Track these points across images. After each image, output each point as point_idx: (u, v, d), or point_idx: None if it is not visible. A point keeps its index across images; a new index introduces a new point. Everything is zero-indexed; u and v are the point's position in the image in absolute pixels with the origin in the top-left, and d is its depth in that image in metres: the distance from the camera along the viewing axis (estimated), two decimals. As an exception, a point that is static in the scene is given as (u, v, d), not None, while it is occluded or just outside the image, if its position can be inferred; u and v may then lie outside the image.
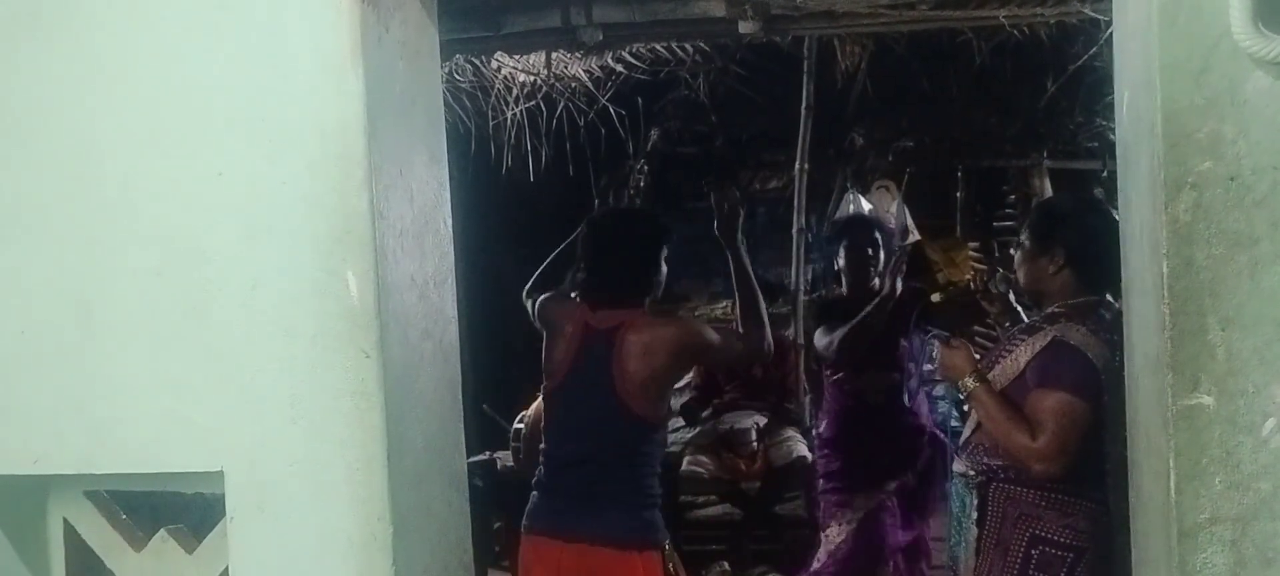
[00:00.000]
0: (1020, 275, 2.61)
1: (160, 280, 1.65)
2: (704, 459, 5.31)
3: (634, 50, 4.55)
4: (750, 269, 2.90)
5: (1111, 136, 6.00)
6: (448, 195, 1.90)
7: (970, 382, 2.46)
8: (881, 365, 3.93)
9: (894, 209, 6.64)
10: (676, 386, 6.51)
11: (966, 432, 2.62)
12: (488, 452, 5.14)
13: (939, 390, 4.77)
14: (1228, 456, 1.37)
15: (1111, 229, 1.80)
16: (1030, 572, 2.39)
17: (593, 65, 4.74)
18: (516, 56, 4.60)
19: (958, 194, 7.22)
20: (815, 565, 4.13)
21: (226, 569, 1.68)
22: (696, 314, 7.67)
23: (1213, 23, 1.36)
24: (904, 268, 3.95)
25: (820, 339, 4.07)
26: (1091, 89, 5.65)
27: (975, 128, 6.67)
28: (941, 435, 4.22)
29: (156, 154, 1.65)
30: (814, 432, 4.44)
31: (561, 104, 5.02)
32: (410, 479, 1.67)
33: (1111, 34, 1.78)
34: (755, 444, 5.30)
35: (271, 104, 1.61)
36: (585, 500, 2.71)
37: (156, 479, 1.73)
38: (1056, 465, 2.31)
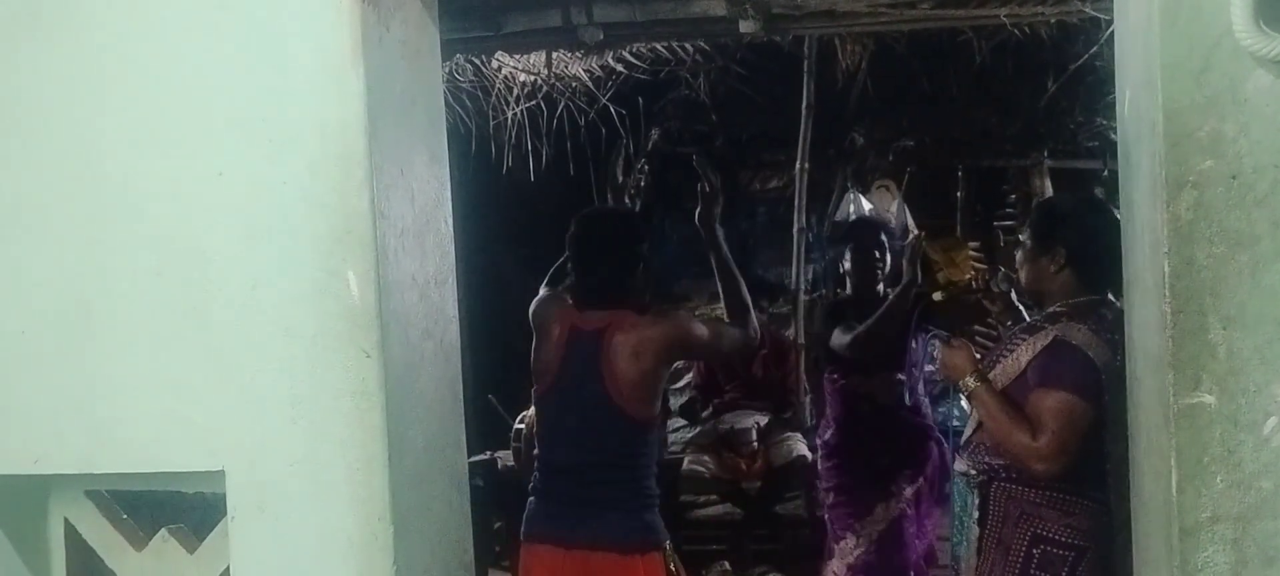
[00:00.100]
0: (1021, 275, 2.61)
1: (161, 280, 1.65)
2: (705, 458, 5.31)
3: (634, 50, 4.54)
4: (730, 256, 2.89)
5: (1112, 136, 6.00)
6: (448, 195, 1.90)
7: (971, 382, 2.46)
8: (891, 365, 3.87)
9: (894, 208, 6.65)
10: (676, 386, 6.56)
11: (968, 432, 2.62)
12: (488, 452, 5.14)
13: (938, 390, 4.73)
14: (1229, 455, 1.37)
15: (1113, 228, 1.80)
16: (1032, 572, 2.39)
17: (593, 65, 4.73)
18: (517, 56, 4.60)
19: (958, 193, 7.22)
20: None
21: (227, 568, 1.69)
22: (697, 313, 7.67)
23: (1214, 21, 1.36)
24: (919, 256, 3.90)
25: (839, 337, 3.96)
26: (1092, 88, 5.65)
27: (976, 127, 6.67)
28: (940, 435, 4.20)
29: (157, 154, 1.65)
30: (818, 441, 4.33)
31: (562, 104, 5.02)
32: (411, 479, 1.67)
33: (1112, 33, 1.78)
34: (756, 443, 5.30)
35: (272, 104, 1.61)
36: (583, 505, 2.68)
37: (157, 478, 1.73)
38: (1057, 464, 2.31)
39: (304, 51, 1.60)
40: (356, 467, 1.60)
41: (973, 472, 2.53)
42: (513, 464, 4.93)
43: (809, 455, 5.30)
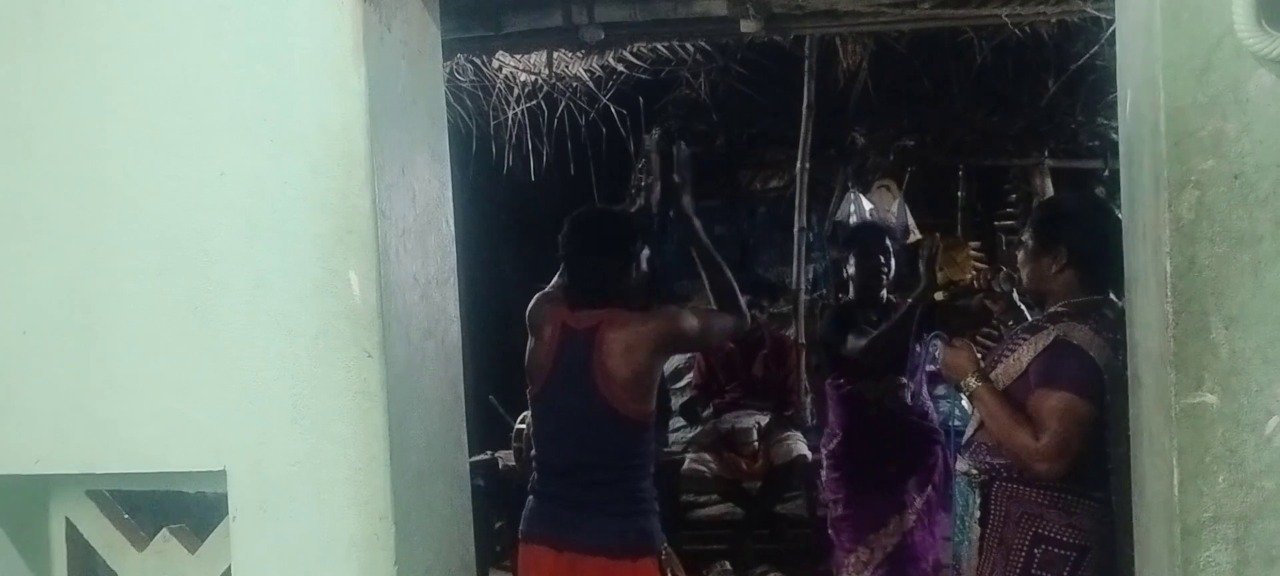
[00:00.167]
0: (1023, 274, 2.60)
1: (163, 280, 1.65)
2: (705, 458, 5.31)
3: (635, 49, 4.54)
4: (708, 242, 2.87)
5: (1113, 135, 6.01)
6: (450, 194, 1.90)
7: (973, 382, 2.46)
8: (897, 369, 3.79)
9: (895, 208, 6.64)
10: (677, 386, 6.56)
11: (969, 432, 2.61)
12: (489, 452, 5.14)
13: (940, 389, 4.71)
14: (1231, 454, 1.37)
15: (1114, 228, 1.80)
16: (1033, 571, 2.39)
17: (594, 64, 4.73)
18: (517, 56, 4.60)
19: (959, 193, 7.22)
20: None
21: (229, 568, 1.69)
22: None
23: (1216, 21, 1.36)
24: (934, 260, 3.86)
25: (853, 342, 3.87)
26: (1093, 88, 5.65)
27: (976, 127, 6.67)
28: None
29: (159, 154, 1.65)
30: (822, 451, 4.22)
31: (562, 103, 5.02)
32: (412, 478, 1.67)
33: (1113, 33, 1.77)
34: (756, 443, 5.31)
35: (274, 103, 1.61)
36: (577, 508, 2.67)
37: (159, 478, 1.73)
38: (1059, 465, 2.30)
39: (305, 51, 1.60)
40: (358, 467, 1.60)
41: (974, 472, 2.53)
42: (513, 464, 4.94)
43: (809, 455, 5.30)
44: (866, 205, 6.58)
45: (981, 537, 2.48)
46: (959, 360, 2.52)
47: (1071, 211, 2.59)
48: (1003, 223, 7.02)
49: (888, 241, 4.12)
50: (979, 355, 2.57)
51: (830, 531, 4.15)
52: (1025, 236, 2.58)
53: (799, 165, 6.12)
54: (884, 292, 3.97)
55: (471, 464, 2.04)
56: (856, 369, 3.90)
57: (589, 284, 2.74)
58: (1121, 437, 1.87)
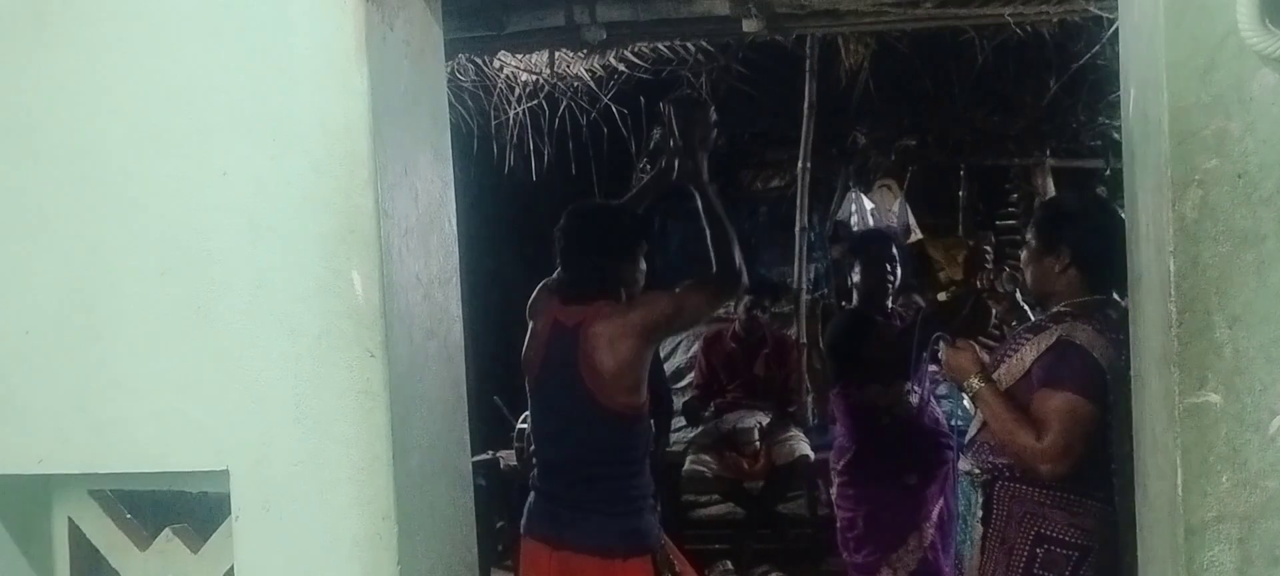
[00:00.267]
0: (1026, 274, 2.60)
1: (165, 279, 1.65)
2: (707, 458, 5.31)
3: (636, 49, 4.54)
4: (719, 204, 2.79)
5: (1114, 135, 6.01)
6: (452, 194, 1.90)
7: (976, 383, 2.46)
8: (904, 375, 3.67)
9: (896, 208, 6.65)
10: (678, 386, 6.56)
11: (972, 431, 2.61)
12: (491, 452, 5.15)
13: (942, 388, 4.68)
14: (1235, 454, 1.37)
15: (1117, 228, 1.79)
16: (1035, 571, 2.39)
17: (595, 64, 4.73)
18: (519, 56, 4.60)
19: (960, 193, 7.22)
20: None
21: (231, 568, 1.68)
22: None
23: (1219, 19, 1.35)
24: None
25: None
26: (1094, 87, 5.65)
27: (978, 126, 6.67)
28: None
29: (161, 153, 1.65)
30: (832, 470, 4.10)
31: (564, 103, 5.02)
32: (415, 478, 1.67)
33: (1114, 32, 1.77)
34: (758, 443, 5.31)
35: (276, 103, 1.61)
36: (572, 506, 2.68)
37: (161, 478, 1.73)
38: (1062, 465, 2.30)
39: (308, 51, 1.60)
40: (361, 467, 1.60)
41: (977, 472, 2.53)
42: (515, 463, 4.94)
43: (811, 454, 5.31)
44: (868, 205, 6.59)
45: (984, 537, 2.48)
46: (962, 361, 2.52)
47: (1074, 211, 2.59)
48: (1004, 222, 7.02)
49: (894, 248, 4.07)
50: (981, 355, 2.57)
51: (845, 552, 4.00)
52: (1028, 236, 2.58)
53: (800, 165, 6.12)
54: (890, 300, 3.94)
55: (473, 463, 2.04)
56: (864, 376, 3.82)
57: (580, 278, 2.75)
58: (1124, 437, 1.87)
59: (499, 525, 5.24)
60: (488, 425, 5.12)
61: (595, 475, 2.66)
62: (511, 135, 5.14)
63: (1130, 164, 1.67)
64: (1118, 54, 1.76)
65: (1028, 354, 2.42)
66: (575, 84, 4.89)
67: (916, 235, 6.82)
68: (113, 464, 1.70)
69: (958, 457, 2.71)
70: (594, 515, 2.65)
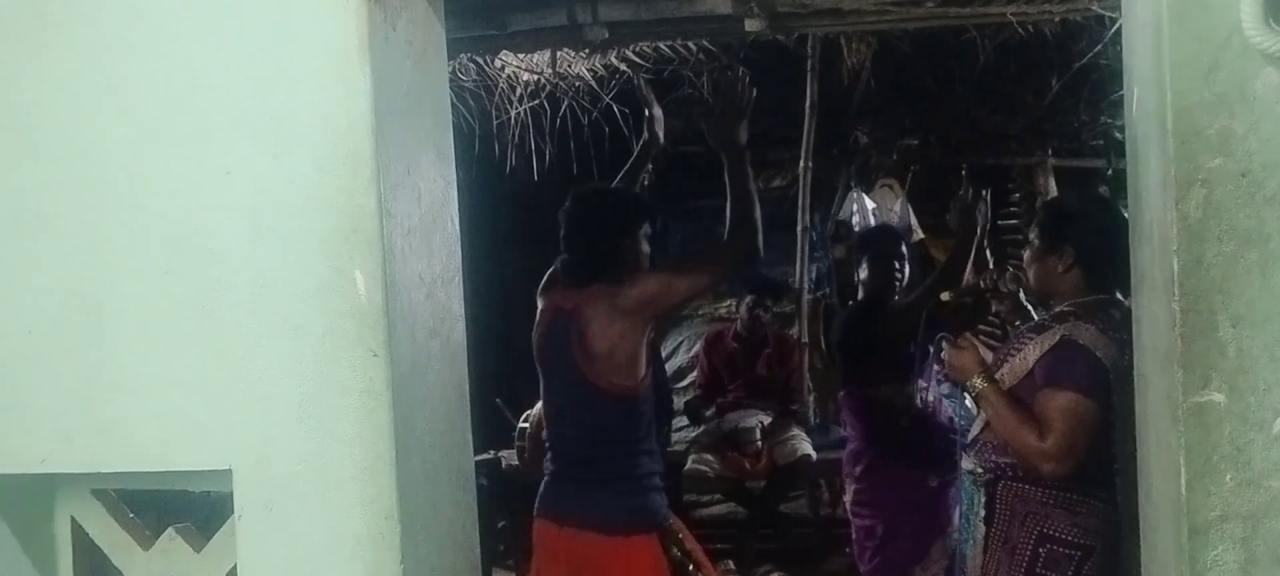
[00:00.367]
0: (1029, 274, 2.60)
1: (168, 279, 1.65)
2: (708, 458, 5.31)
3: (638, 49, 4.54)
4: (751, 176, 2.73)
5: (1116, 134, 6.01)
6: (455, 193, 1.90)
7: (978, 382, 2.45)
8: (907, 372, 3.60)
9: (897, 207, 6.64)
10: (680, 386, 6.55)
11: (975, 431, 2.61)
12: (493, 452, 5.15)
13: (944, 388, 4.63)
14: (1238, 453, 1.37)
15: (1120, 227, 1.79)
16: (1038, 571, 2.38)
17: (596, 64, 4.73)
18: (521, 55, 4.60)
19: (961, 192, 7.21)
20: None
21: (234, 567, 1.68)
22: (700, 311, 7.67)
23: (1223, 19, 1.35)
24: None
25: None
26: (1096, 86, 5.65)
27: (979, 126, 6.67)
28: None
29: (164, 153, 1.65)
30: (845, 478, 3.97)
31: (565, 103, 5.02)
32: (418, 477, 1.67)
33: (1116, 31, 1.77)
34: (759, 442, 5.31)
35: (279, 102, 1.61)
36: (578, 484, 2.73)
37: (164, 477, 1.73)
38: (1065, 465, 2.30)
39: (311, 50, 1.60)
40: (364, 466, 1.60)
41: (979, 471, 2.53)
42: (516, 463, 4.94)
43: (813, 454, 5.30)
44: (869, 204, 6.58)
45: (986, 536, 2.48)
46: (964, 360, 2.51)
47: (1077, 211, 2.58)
48: (1006, 222, 7.02)
49: (902, 245, 4.02)
50: (984, 355, 2.56)
51: (862, 562, 3.85)
52: (1031, 236, 2.58)
53: (802, 164, 6.12)
54: (897, 297, 3.88)
55: (475, 463, 2.04)
56: (876, 375, 3.72)
57: (580, 261, 2.77)
58: (1128, 437, 1.87)
59: (501, 524, 5.24)
60: (490, 424, 5.12)
61: (597, 454, 2.70)
62: (513, 135, 5.13)
63: (1133, 163, 1.66)
64: (1120, 53, 1.76)
65: (1031, 353, 2.42)
66: (577, 83, 4.88)
67: (918, 235, 6.81)
68: (115, 463, 1.70)
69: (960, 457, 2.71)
70: (598, 493, 2.69)
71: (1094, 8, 3.53)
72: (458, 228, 1.91)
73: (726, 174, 2.70)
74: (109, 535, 1.82)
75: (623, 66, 4.70)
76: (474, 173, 4.97)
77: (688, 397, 6.05)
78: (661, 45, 4.53)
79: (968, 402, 2.59)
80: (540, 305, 2.87)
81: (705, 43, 4.65)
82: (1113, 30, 3.73)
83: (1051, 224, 2.53)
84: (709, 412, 5.66)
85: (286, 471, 1.62)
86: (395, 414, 1.60)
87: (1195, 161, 1.37)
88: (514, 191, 5.99)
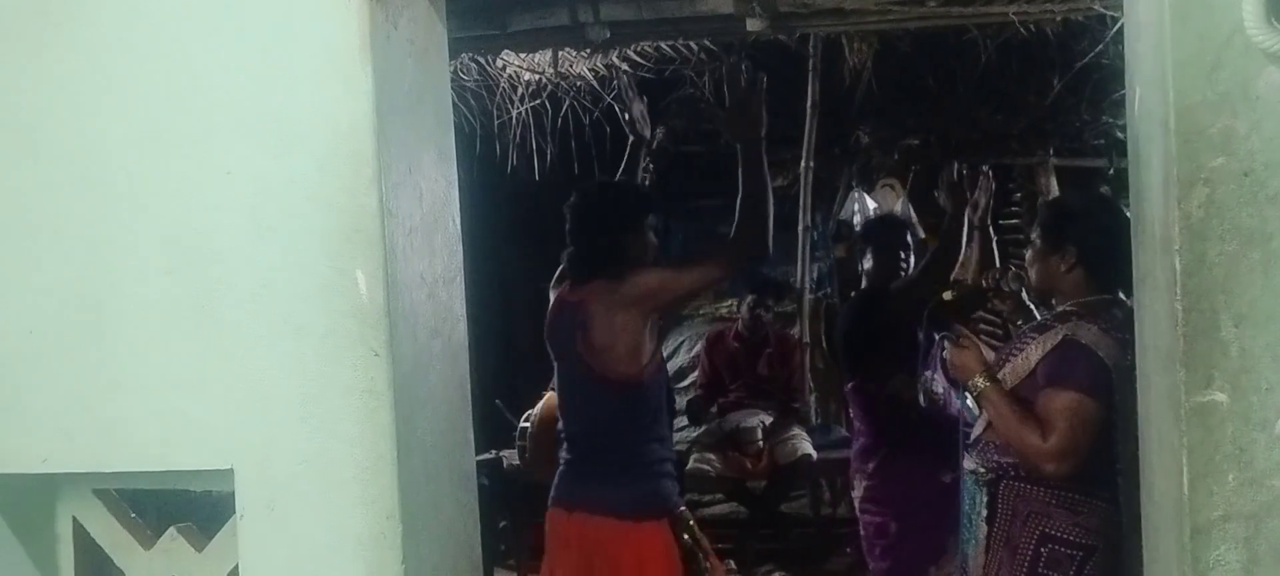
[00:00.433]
0: (1032, 274, 2.60)
1: (169, 279, 1.65)
2: (710, 457, 5.31)
3: (639, 48, 4.54)
4: (766, 169, 2.71)
5: (1118, 133, 6.00)
6: (456, 193, 1.90)
7: (981, 382, 2.45)
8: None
9: (899, 207, 6.64)
10: (681, 385, 6.55)
11: (977, 430, 2.61)
12: (494, 451, 5.14)
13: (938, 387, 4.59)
14: (1241, 453, 1.37)
15: (1123, 227, 1.79)
16: (1039, 570, 2.38)
17: (598, 63, 4.73)
18: (522, 55, 4.60)
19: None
20: None
21: (236, 567, 1.68)
22: (701, 311, 7.67)
23: (1225, 18, 1.35)
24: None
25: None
26: (1098, 86, 5.64)
27: (981, 125, 6.66)
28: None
29: (165, 153, 1.65)
30: (858, 470, 3.81)
31: (567, 102, 5.02)
32: (419, 477, 1.67)
33: (1118, 30, 1.77)
34: (761, 442, 5.31)
35: (280, 102, 1.61)
36: (589, 471, 2.77)
37: (166, 477, 1.73)
38: (1067, 464, 2.30)
39: (312, 50, 1.60)
40: (365, 466, 1.60)
41: (981, 471, 2.53)
42: (518, 463, 4.94)
43: (814, 454, 5.30)
44: (871, 204, 6.58)
45: (988, 536, 2.48)
46: (967, 360, 2.51)
47: (1080, 210, 2.59)
48: (1008, 221, 7.01)
49: (908, 235, 3.95)
50: (986, 354, 2.56)
51: (872, 559, 3.74)
52: (1034, 236, 2.58)
53: (803, 164, 6.12)
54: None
55: (477, 463, 2.05)
56: (885, 367, 3.59)
57: (584, 255, 2.80)
58: (1130, 437, 1.87)
59: (502, 524, 5.24)
60: (491, 424, 5.12)
61: (606, 442, 2.75)
62: (515, 134, 5.13)
63: (1135, 163, 1.66)
64: (1122, 52, 1.76)
65: (1033, 353, 2.42)
66: (578, 83, 4.88)
67: (920, 234, 6.81)
68: (117, 463, 1.70)
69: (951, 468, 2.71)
70: (609, 479, 2.73)
71: (1096, 7, 3.53)
72: (459, 227, 1.91)
73: (740, 164, 2.69)
74: (110, 534, 1.82)
75: (624, 66, 4.70)
76: (475, 172, 4.96)
77: (689, 397, 6.04)
78: (663, 45, 4.53)
79: (969, 402, 2.59)
80: (551, 298, 2.92)
81: (707, 42, 4.65)
82: (1114, 29, 3.73)
83: (1054, 223, 2.53)
84: (711, 412, 5.65)
85: (288, 471, 1.62)
86: (397, 414, 1.60)
87: (1197, 161, 1.36)
88: (515, 191, 5.99)
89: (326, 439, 1.61)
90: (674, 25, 3.85)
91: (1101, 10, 3.52)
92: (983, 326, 5.74)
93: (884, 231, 4.06)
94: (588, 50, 4.45)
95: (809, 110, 5.96)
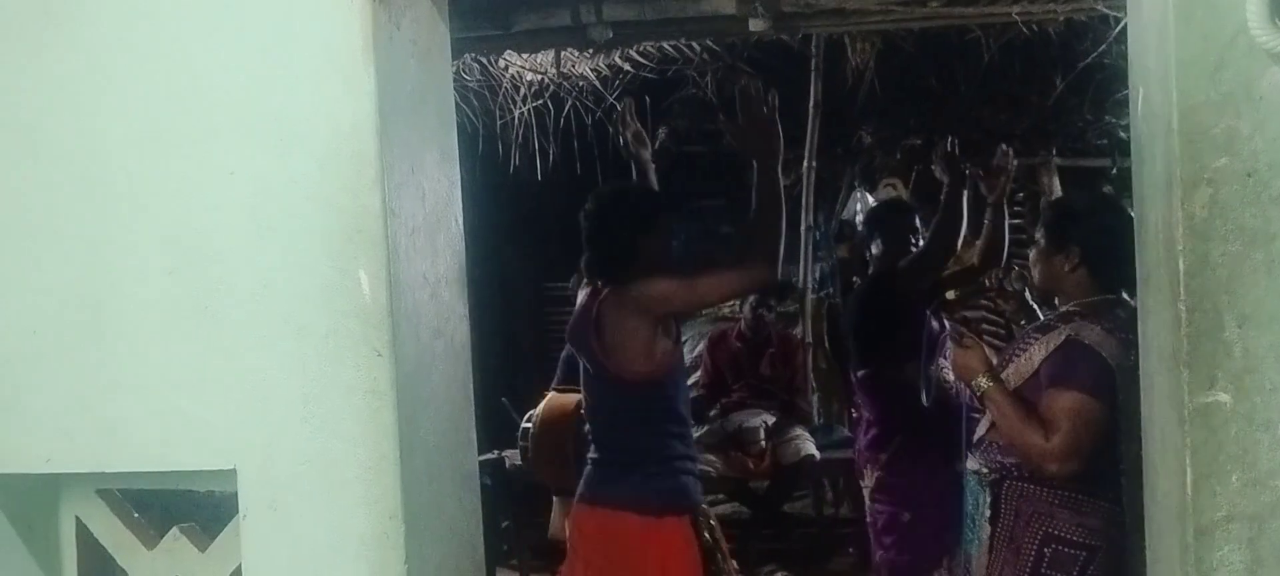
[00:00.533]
0: (1035, 274, 2.60)
1: (172, 279, 1.65)
2: (712, 458, 5.31)
3: (641, 49, 4.54)
4: (781, 191, 2.63)
5: (1121, 133, 6.00)
6: (459, 193, 1.90)
7: (984, 382, 2.45)
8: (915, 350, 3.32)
9: (901, 207, 6.63)
10: (692, 387, 6.53)
11: (980, 430, 2.61)
12: (497, 451, 5.15)
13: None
14: (1244, 454, 1.36)
15: (1127, 227, 1.79)
16: (1043, 571, 2.38)
17: (600, 64, 4.73)
18: (524, 55, 4.60)
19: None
20: None
21: (239, 567, 1.68)
22: (703, 311, 7.66)
23: (1228, 18, 1.35)
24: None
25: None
26: (1100, 86, 5.65)
27: (984, 125, 6.66)
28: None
29: (167, 153, 1.65)
30: (871, 461, 3.72)
31: (569, 103, 5.02)
32: (422, 477, 1.67)
33: (1121, 30, 1.77)
34: (763, 442, 5.30)
35: (283, 102, 1.61)
36: (611, 468, 2.80)
37: (169, 477, 1.73)
38: (1071, 465, 2.30)
39: (315, 50, 1.60)
40: (368, 466, 1.60)
41: (985, 471, 2.53)
42: (520, 463, 4.94)
43: (817, 454, 5.30)
44: (873, 204, 6.58)
45: (991, 536, 2.48)
46: (970, 360, 2.51)
47: (1084, 210, 2.58)
48: (1011, 221, 7.00)
49: (916, 220, 3.89)
50: (989, 354, 2.56)
51: (881, 549, 3.67)
52: (1037, 236, 2.58)
53: (805, 164, 6.12)
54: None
55: (479, 462, 2.05)
56: (898, 354, 3.46)
57: (597, 260, 2.83)
58: (1133, 437, 1.87)
59: (504, 524, 5.24)
60: (493, 424, 5.12)
61: (625, 439, 2.78)
62: (517, 135, 5.14)
63: (1139, 163, 1.66)
64: (1124, 52, 1.76)
65: (1036, 353, 2.42)
66: (581, 83, 4.89)
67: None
68: (120, 463, 1.70)
69: (963, 459, 2.70)
70: (631, 475, 2.76)
71: (1099, 7, 3.52)
72: (462, 227, 1.91)
73: (754, 184, 2.65)
74: (113, 535, 1.82)
75: (627, 66, 4.70)
76: (477, 172, 4.97)
77: (692, 397, 6.03)
78: (665, 45, 4.54)
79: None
80: (577, 300, 2.99)
81: (709, 43, 4.65)
82: (1117, 29, 3.73)
83: (1057, 223, 2.53)
84: (713, 412, 5.65)
85: (291, 471, 1.62)
86: (399, 414, 1.60)
87: (1201, 161, 1.36)
88: (518, 191, 5.99)
89: (329, 439, 1.61)
90: (676, 25, 3.86)
91: (1104, 10, 3.52)
92: (986, 326, 5.74)
93: (891, 216, 4.01)
94: (590, 50, 4.45)
95: (811, 110, 5.96)
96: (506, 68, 4.73)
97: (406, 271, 1.66)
